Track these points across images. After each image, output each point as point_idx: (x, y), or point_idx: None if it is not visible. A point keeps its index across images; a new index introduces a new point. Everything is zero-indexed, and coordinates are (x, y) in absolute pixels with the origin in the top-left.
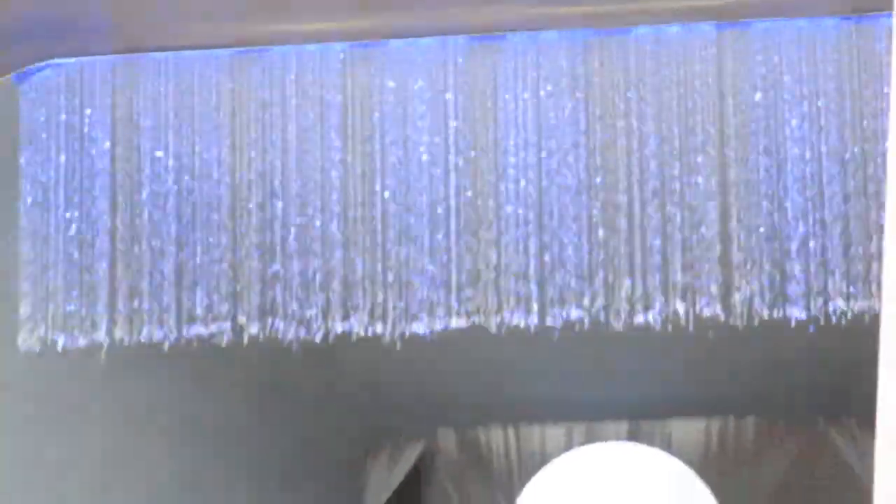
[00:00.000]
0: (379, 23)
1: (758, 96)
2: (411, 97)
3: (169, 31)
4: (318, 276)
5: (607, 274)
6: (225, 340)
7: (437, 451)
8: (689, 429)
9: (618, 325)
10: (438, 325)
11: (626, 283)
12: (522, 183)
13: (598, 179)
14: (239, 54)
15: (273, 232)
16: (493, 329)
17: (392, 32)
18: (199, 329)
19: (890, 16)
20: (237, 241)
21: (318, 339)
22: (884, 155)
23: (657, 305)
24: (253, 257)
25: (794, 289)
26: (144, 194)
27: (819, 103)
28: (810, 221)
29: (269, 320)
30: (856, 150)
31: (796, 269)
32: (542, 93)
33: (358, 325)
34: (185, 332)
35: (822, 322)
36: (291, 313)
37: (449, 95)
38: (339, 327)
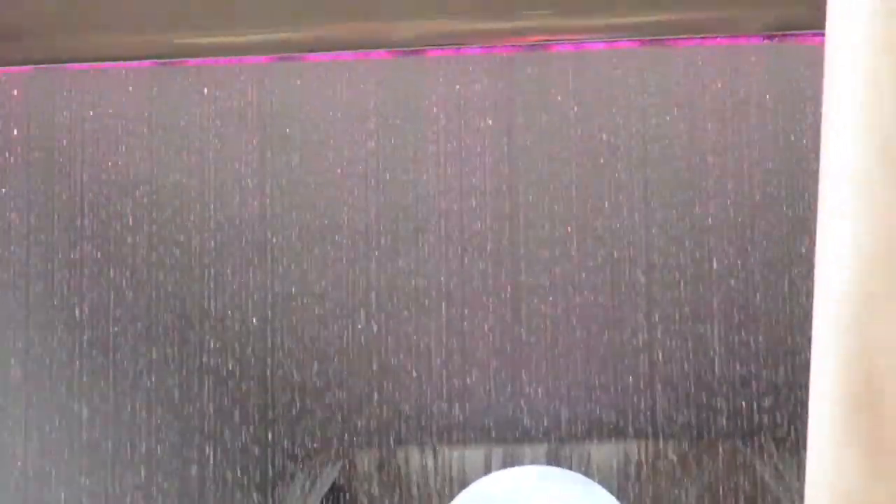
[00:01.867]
0: (301, 36)
1: (676, 112)
2: (333, 111)
3: (88, 43)
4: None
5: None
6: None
7: (355, 473)
8: (608, 452)
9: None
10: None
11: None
12: (440, 199)
13: (518, 194)
14: (159, 67)
15: (190, 237)
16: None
17: (313, 46)
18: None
19: (817, 34)
20: (146, 254)
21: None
22: (809, 172)
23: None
24: (165, 265)
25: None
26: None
27: (741, 125)
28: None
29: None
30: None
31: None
32: (463, 108)
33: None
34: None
35: (739, 342)
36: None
37: (371, 111)
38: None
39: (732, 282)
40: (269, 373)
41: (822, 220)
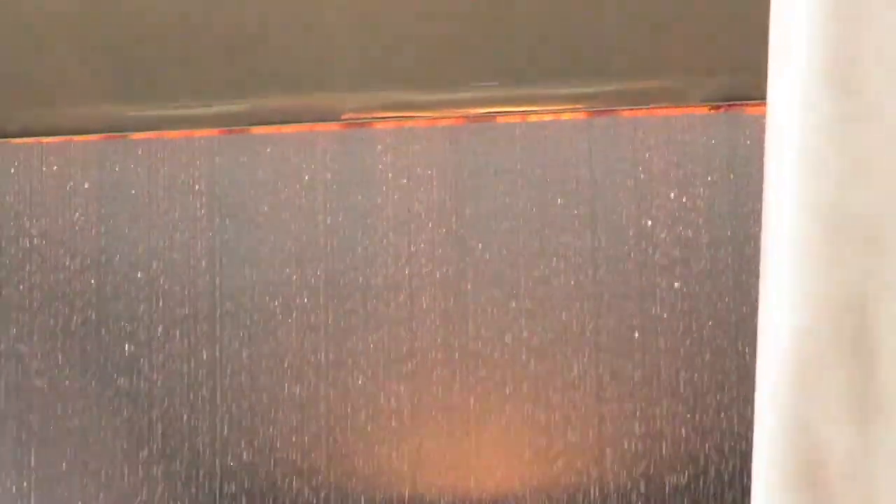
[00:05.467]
0: (248, 109)
1: (629, 183)
2: (281, 183)
3: (32, 117)
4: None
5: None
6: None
7: None
8: None
9: None
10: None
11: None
12: (392, 271)
13: (467, 265)
14: (105, 141)
15: (139, 311)
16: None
17: (260, 119)
18: None
19: (761, 104)
20: (94, 328)
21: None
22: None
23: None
24: (112, 334)
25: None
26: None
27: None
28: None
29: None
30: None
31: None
32: (407, 182)
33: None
34: None
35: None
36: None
37: (319, 182)
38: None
39: (682, 350)
40: (216, 446)
41: (764, 289)
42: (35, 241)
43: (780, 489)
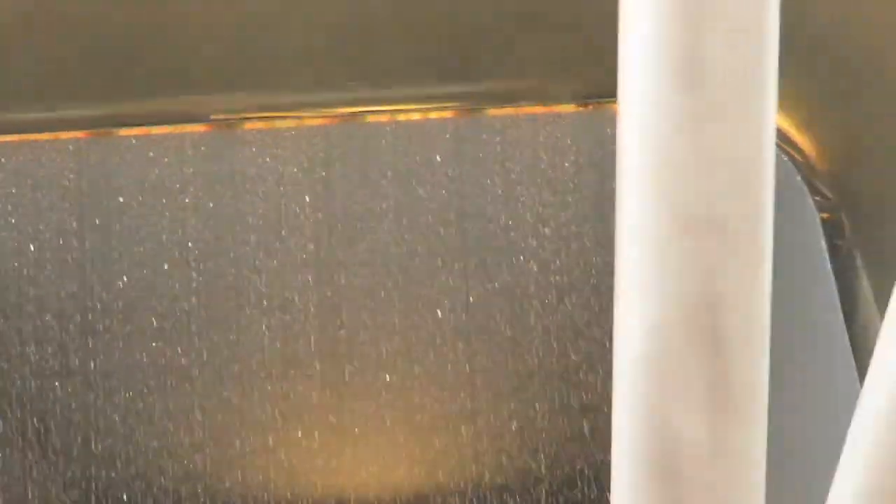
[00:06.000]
0: (114, 110)
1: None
2: (148, 185)
3: None
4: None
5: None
6: None
7: None
8: None
9: None
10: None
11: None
12: (261, 273)
13: (338, 264)
14: None
15: (8, 319)
16: None
17: (127, 120)
18: None
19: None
20: None
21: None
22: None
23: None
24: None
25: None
26: None
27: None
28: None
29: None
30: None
31: None
32: (280, 180)
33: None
34: None
35: None
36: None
37: (187, 184)
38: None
39: (554, 343)
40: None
41: (618, 287)
42: None
43: (638, 481)
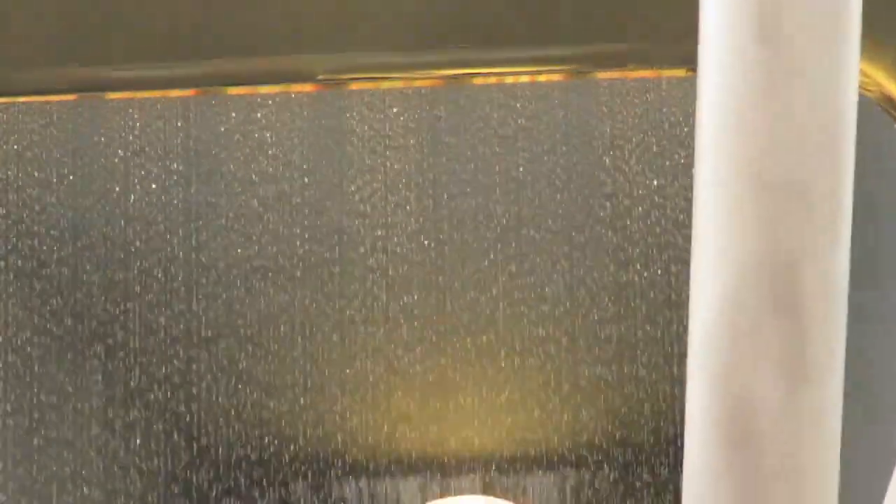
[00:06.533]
0: (223, 69)
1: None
2: (258, 145)
3: (4, 77)
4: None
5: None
6: None
7: None
8: (545, 482)
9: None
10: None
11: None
12: (365, 234)
13: (443, 230)
14: (80, 100)
15: (115, 272)
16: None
17: (236, 79)
18: None
19: None
20: (69, 286)
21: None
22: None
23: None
24: (87, 298)
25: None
26: None
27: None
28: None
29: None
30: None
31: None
32: (385, 141)
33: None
34: None
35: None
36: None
37: (295, 144)
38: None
39: (651, 300)
40: (195, 407)
41: (695, 252)
42: (13, 199)
43: (710, 444)
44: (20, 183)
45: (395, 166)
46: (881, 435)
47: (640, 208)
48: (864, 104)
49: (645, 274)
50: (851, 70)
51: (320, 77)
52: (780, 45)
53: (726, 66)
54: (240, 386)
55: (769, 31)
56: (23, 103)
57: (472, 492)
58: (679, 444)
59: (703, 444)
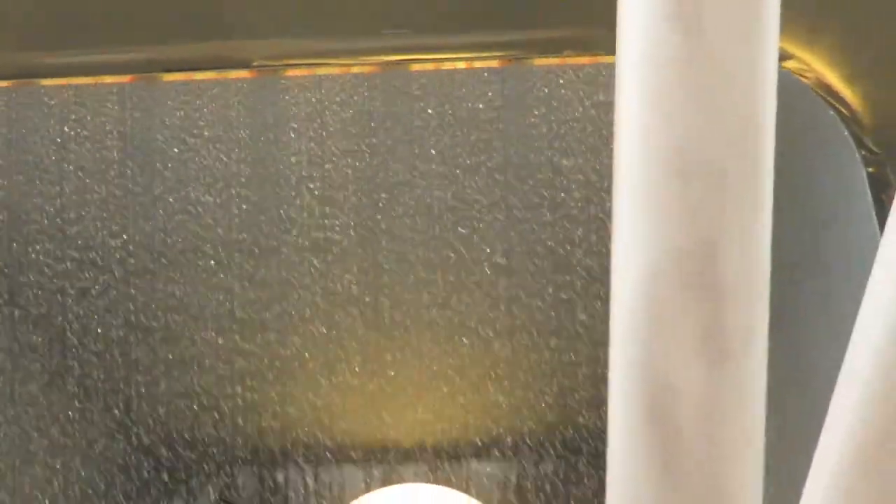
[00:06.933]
0: (159, 55)
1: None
2: (194, 131)
3: None
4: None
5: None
6: None
7: (235, 493)
8: (489, 470)
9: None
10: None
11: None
12: (304, 226)
13: (382, 212)
14: (12, 87)
15: (50, 266)
16: None
17: (172, 65)
18: None
19: None
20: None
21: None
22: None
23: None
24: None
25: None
26: None
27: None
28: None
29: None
30: None
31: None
32: (324, 128)
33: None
34: None
35: None
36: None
37: (232, 131)
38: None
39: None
40: (131, 390)
41: (616, 233)
42: None
43: (634, 427)
44: None
45: (334, 156)
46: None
47: (573, 182)
48: (802, 91)
49: (587, 259)
50: (770, 60)
51: (255, 63)
52: (696, 28)
53: (643, 51)
54: (175, 374)
55: (684, 11)
56: None
57: (418, 480)
58: None
59: (624, 430)
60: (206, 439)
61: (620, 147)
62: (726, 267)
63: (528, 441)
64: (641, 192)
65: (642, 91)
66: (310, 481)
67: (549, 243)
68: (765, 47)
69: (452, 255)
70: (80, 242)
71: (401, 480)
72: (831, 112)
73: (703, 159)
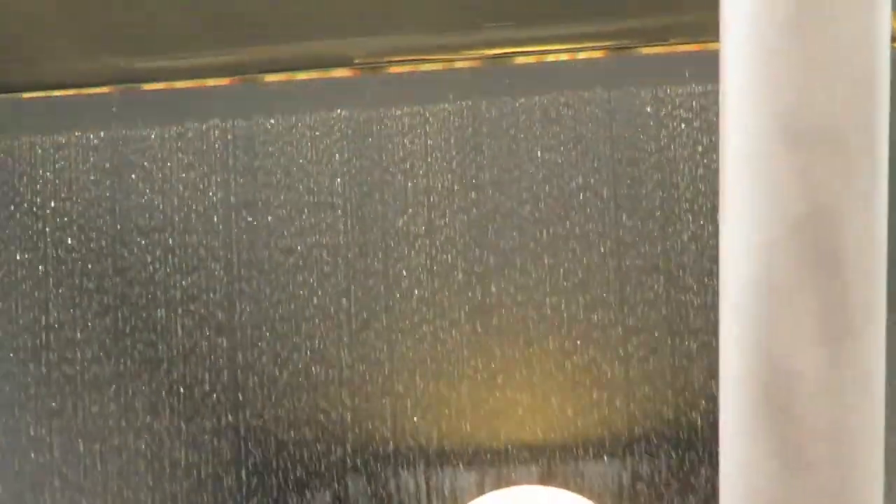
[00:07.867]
0: (259, 56)
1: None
2: (296, 132)
3: (40, 69)
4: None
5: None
6: None
7: (347, 499)
8: (602, 469)
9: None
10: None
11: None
12: (408, 223)
13: (486, 205)
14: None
15: (155, 270)
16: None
17: (272, 66)
18: None
19: None
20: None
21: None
22: None
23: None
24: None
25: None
26: None
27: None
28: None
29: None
30: None
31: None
32: (427, 125)
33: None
34: None
35: None
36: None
37: (333, 129)
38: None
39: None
40: (242, 407)
41: (724, 205)
42: (50, 194)
43: (745, 417)
44: None
45: (437, 154)
46: None
47: (689, 179)
48: None
49: (686, 258)
50: (883, 23)
51: (357, 61)
52: None
53: (751, 15)
54: (281, 382)
55: None
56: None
57: (529, 482)
58: None
59: (736, 417)
60: (319, 447)
61: (726, 115)
62: (843, 237)
63: (642, 440)
64: (749, 162)
65: (750, 56)
66: (422, 485)
67: (665, 243)
68: (878, 11)
69: (570, 255)
70: (201, 251)
71: (513, 483)
72: None
73: (815, 125)
